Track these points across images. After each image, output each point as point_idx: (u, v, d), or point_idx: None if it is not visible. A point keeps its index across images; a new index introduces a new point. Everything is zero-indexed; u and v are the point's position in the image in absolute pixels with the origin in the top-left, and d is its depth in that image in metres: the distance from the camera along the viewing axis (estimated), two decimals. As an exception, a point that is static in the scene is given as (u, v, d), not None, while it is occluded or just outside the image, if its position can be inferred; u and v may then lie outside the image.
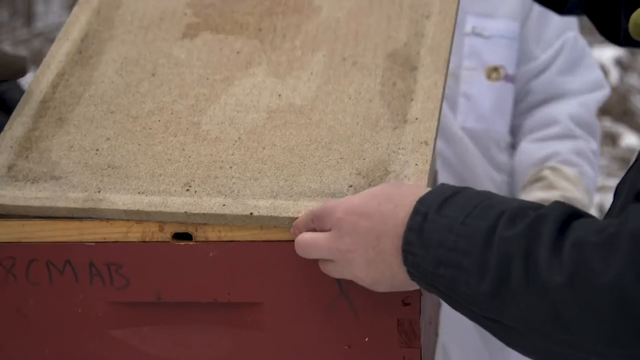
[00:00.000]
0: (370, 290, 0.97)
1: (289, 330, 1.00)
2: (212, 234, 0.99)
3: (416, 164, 1.00)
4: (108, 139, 1.07)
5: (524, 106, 1.92)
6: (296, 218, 0.96)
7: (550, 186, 1.83)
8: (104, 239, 1.00)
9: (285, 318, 1.00)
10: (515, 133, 1.95)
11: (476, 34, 1.86)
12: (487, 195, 0.86)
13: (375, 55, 1.11)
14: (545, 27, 1.90)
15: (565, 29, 1.91)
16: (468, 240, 0.82)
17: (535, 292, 0.78)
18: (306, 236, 0.93)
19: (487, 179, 1.88)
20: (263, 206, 0.98)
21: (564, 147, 1.86)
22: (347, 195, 0.97)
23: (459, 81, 1.86)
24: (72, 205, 1.01)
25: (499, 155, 1.90)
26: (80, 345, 1.02)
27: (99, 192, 1.01)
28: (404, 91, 1.07)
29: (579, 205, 1.77)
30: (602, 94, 1.94)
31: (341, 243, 0.90)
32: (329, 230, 0.91)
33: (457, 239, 0.83)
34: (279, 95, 1.09)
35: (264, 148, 1.03)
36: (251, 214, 0.98)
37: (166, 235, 1.00)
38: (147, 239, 1.00)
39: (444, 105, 1.81)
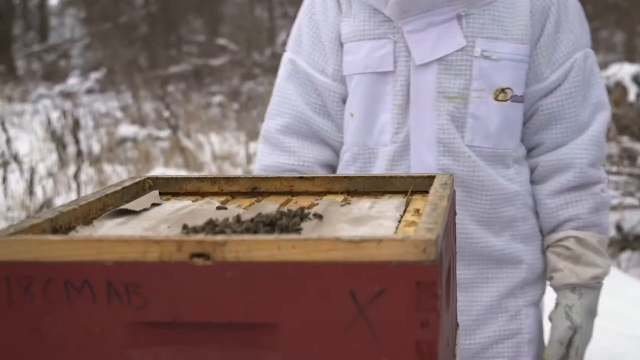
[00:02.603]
0: (388, 311, 0.97)
1: (305, 352, 1.00)
2: (230, 255, 0.99)
3: None
4: None
5: (531, 126, 1.99)
6: None
7: (577, 259, 1.96)
8: (122, 258, 1.00)
9: (302, 339, 0.99)
10: (528, 148, 2.01)
11: (485, 57, 1.90)
12: None
13: None
14: (556, 49, 1.95)
15: (575, 50, 1.96)
16: None
17: None
18: None
19: (496, 189, 1.94)
20: None
21: (582, 207, 1.97)
22: None
23: (468, 102, 1.90)
24: None
25: (506, 171, 1.96)
26: (97, 365, 1.02)
27: None
28: None
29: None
30: (606, 116, 2.01)
31: None
32: None
33: None
34: None
35: None
36: None
37: (184, 255, 1.00)
38: (165, 259, 1.00)
39: (452, 126, 1.90)
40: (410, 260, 0.98)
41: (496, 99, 1.91)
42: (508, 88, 1.91)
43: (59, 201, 6.67)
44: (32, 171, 6.84)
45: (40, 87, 12.62)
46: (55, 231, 1.16)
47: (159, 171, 7.45)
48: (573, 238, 1.96)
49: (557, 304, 1.98)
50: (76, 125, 7.94)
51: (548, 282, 2.02)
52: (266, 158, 2.06)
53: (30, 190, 6.68)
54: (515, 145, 1.97)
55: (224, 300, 0.99)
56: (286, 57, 2.08)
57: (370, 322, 0.98)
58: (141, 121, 9.94)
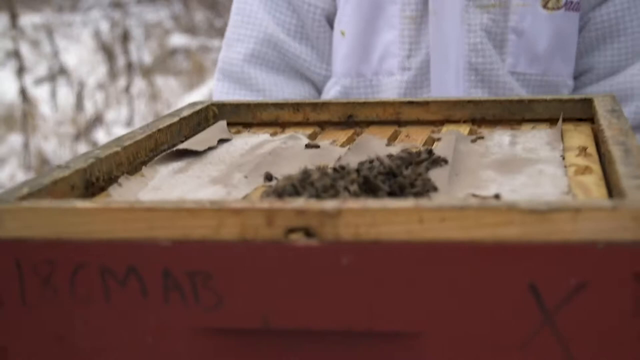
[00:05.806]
0: (590, 317, 0.64)
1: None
2: (346, 231, 0.66)
3: None
4: None
5: (578, 45, 1.46)
6: None
7: None
8: (185, 235, 0.67)
9: (457, 355, 0.67)
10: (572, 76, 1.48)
11: None
12: None
13: None
14: None
15: None
16: None
17: None
18: None
19: None
20: None
21: None
22: None
23: (508, 12, 1.39)
24: None
25: None
26: (151, 387, 0.70)
27: None
28: None
29: None
30: None
31: None
32: None
33: None
34: None
35: None
36: None
37: (277, 231, 0.67)
38: (249, 237, 0.67)
39: (489, 45, 1.38)
40: (626, 240, 0.64)
41: (545, 6, 1.40)
42: None
43: (109, 115, 6.41)
44: (82, 84, 6.57)
45: (90, -4, 12.32)
46: (89, 186, 0.83)
47: (212, 83, 7.14)
48: None
49: None
50: (126, 36, 7.63)
51: None
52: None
53: (80, 105, 6.42)
54: (570, 72, 1.45)
55: (337, 299, 0.66)
56: None
57: (561, 333, 0.65)
58: (193, 31, 9.63)
